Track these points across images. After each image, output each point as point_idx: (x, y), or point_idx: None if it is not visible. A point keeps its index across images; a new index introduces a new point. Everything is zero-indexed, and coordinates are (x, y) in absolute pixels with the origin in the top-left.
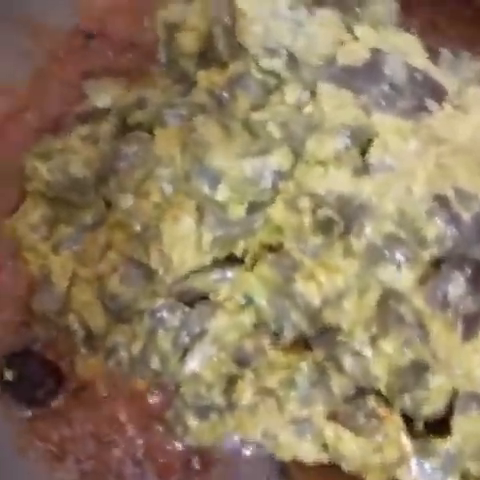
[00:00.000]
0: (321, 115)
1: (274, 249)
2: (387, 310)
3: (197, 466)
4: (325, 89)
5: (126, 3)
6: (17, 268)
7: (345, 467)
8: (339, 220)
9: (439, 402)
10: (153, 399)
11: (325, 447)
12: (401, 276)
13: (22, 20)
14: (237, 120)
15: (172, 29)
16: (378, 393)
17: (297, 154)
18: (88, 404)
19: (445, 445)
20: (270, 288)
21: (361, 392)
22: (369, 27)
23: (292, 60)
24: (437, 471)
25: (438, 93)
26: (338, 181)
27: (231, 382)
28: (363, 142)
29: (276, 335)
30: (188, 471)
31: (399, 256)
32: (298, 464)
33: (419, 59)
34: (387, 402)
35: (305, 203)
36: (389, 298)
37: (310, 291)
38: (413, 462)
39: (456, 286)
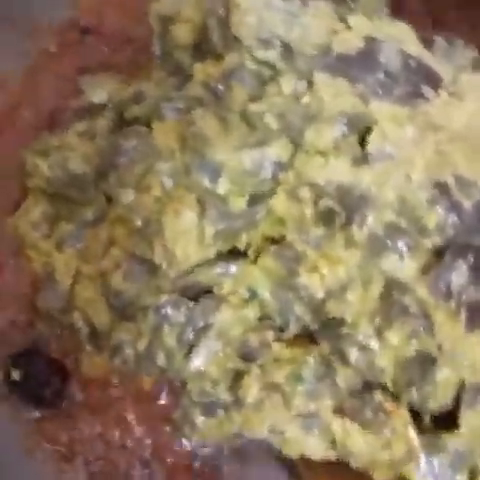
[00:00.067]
0: (319, 104)
1: (277, 241)
2: (391, 301)
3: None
4: (321, 78)
5: None
6: (20, 266)
7: (353, 463)
8: (340, 210)
9: (446, 395)
10: (160, 399)
11: (333, 443)
12: (404, 266)
13: (17, 15)
14: (234, 112)
15: (166, 21)
16: (385, 387)
17: (296, 144)
18: (95, 404)
19: (454, 441)
20: (274, 280)
21: (368, 386)
22: (362, 16)
23: (287, 51)
24: (446, 468)
25: (433, 80)
26: (338, 171)
27: (237, 378)
28: (361, 130)
29: (281, 329)
30: (196, 471)
31: (401, 245)
32: (305, 461)
33: (413, 47)
34: (394, 396)
35: (306, 193)
36: (392, 289)
37: (313, 283)
38: (421, 459)
39: (459, 275)
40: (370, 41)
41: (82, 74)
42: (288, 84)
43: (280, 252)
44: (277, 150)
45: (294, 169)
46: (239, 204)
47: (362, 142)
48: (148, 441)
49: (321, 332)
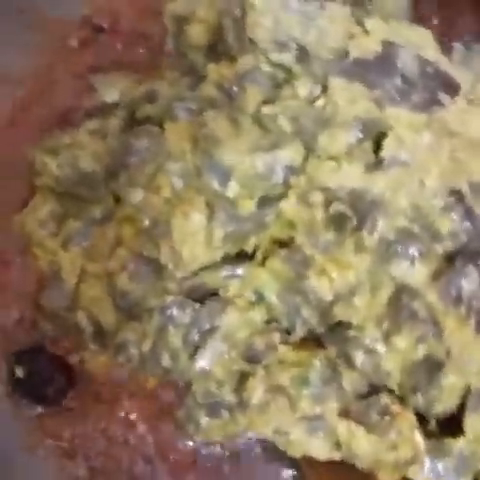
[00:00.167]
0: (333, 109)
1: (285, 244)
2: (400, 306)
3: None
4: (337, 83)
5: None
6: (26, 264)
7: (358, 465)
8: (351, 215)
9: (451, 400)
10: (164, 397)
11: (337, 445)
12: (414, 271)
13: (31, 13)
14: (247, 114)
15: (181, 21)
16: (391, 391)
17: (309, 148)
18: (98, 402)
19: (458, 445)
20: (281, 283)
21: (374, 389)
22: (379, 20)
23: (303, 54)
24: (450, 472)
25: (451, 87)
26: (350, 176)
27: (242, 379)
28: (376, 136)
29: (287, 332)
30: (199, 468)
31: (412, 251)
32: (309, 461)
33: (431, 52)
34: (400, 399)
35: (317, 198)
36: (402, 294)
37: (322, 287)
38: (426, 462)
39: (470, 281)
40: (387, 45)
41: (95, 73)
42: (303, 87)
43: (289, 255)
44: (289, 154)
45: (306, 173)
46: (248, 207)
47: (376, 147)
48: (151, 438)
49: (328, 335)
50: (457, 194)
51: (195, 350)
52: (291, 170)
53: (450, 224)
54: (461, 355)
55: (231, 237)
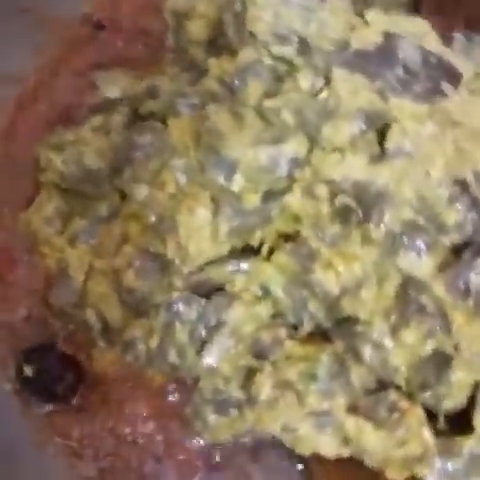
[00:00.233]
0: (336, 100)
1: (291, 238)
2: (407, 299)
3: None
4: (339, 74)
5: None
6: (33, 262)
7: (367, 461)
8: (357, 208)
9: (461, 396)
10: (172, 395)
11: (346, 441)
12: (421, 263)
13: (32, 11)
14: (249, 108)
15: (181, 17)
16: (399, 386)
17: (313, 141)
18: (107, 400)
19: (469, 444)
20: (287, 277)
21: (382, 385)
22: (380, 11)
23: (304, 46)
24: (460, 471)
25: (453, 76)
26: (355, 167)
27: (249, 375)
28: (380, 127)
29: (294, 327)
30: (208, 468)
31: (419, 243)
32: (318, 458)
33: (432, 42)
34: (408, 395)
35: (322, 191)
36: (409, 287)
37: (328, 280)
38: (436, 461)
39: (478, 273)
40: (388, 37)
41: (96, 69)
42: (305, 80)
43: (294, 249)
44: (293, 146)
45: (310, 166)
46: (253, 201)
47: (381, 139)
48: (160, 437)
49: (335, 330)
50: (462, 184)
51: (202, 346)
52: (295, 163)
53: (456, 215)
54: (470, 349)
55: (237, 231)
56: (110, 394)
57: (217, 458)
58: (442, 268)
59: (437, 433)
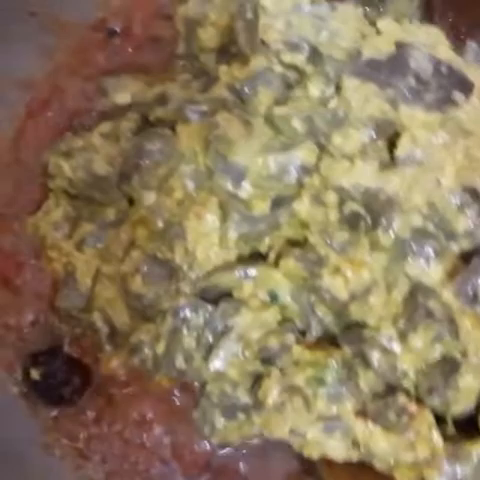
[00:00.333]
0: (347, 109)
1: (299, 244)
2: (416, 305)
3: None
4: (350, 83)
5: None
6: (41, 266)
7: (376, 465)
8: (366, 215)
9: (469, 401)
10: (180, 398)
11: (354, 445)
12: (430, 270)
13: (44, 16)
14: (259, 115)
15: (192, 24)
16: (407, 392)
17: (322, 148)
18: (114, 403)
19: (477, 449)
20: (295, 283)
21: (391, 390)
22: (392, 20)
23: (315, 54)
24: (468, 476)
25: (465, 85)
26: (364, 175)
27: (257, 380)
28: (390, 135)
29: (302, 333)
30: (215, 470)
31: (428, 250)
32: (326, 462)
33: (444, 51)
34: (417, 400)
35: (331, 197)
36: (418, 293)
37: (336, 286)
38: (444, 466)
39: None
40: (400, 46)
41: (106, 75)
42: (315, 88)
43: (302, 255)
44: (303, 154)
45: (319, 173)
46: (262, 207)
47: (391, 147)
48: (167, 440)
49: (343, 335)
50: (472, 192)
51: (209, 351)
52: (304, 170)
53: (465, 222)
54: (478, 355)
55: (245, 238)
56: (117, 397)
57: (224, 461)
58: (450, 274)
59: (446, 438)
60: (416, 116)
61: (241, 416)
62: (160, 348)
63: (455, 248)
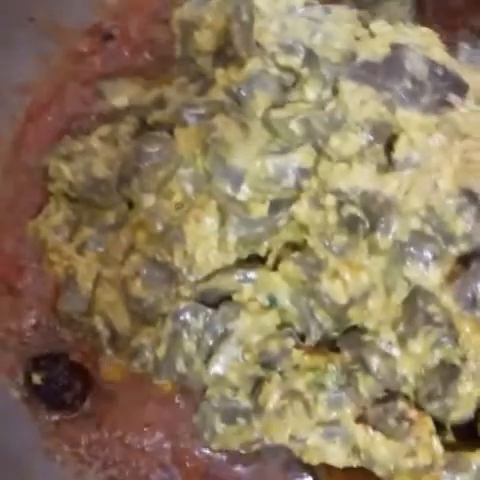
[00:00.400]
0: (344, 111)
1: (298, 248)
2: (415, 309)
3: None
4: (346, 85)
5: (143, 2)
6: (42, 270)
7: (376, 471)
8: (364, 218)
9: (468, 408)
10: (180, 403)
11: (355, 450)
12: (429, 273)
13: (41, 21)
14: (256, 118)
15: (188, 27)
16: (407, 397)
17: (320, 151)
18: (115, 408)
19: (476, 458)
20: (294, 287)
21: (391, 395)
22: (386, 22)
23: (310, 57)
24: None
25: (460, 87)
26: (362, 178)
27: (257, 385)
28: (387, 138)
29: (301, 337)
30: (215, 476)
31: (426, 253)
32: (327, 468)
33: (438, 53)
34: (417, 405)
35: (329, 200)
36: (417, 297)
37: (335, 290)
38: (444, 474)
39: None
40: (395, 48)
41: (103, 79)
42: (312, 91)
43: (301, 258)
44: (301, 157)
45: (317, 176)
46: (260, 211)
47: (388, 149)
48: (167, 445)
49: (342, 339)
50: (470, 194)
51: (209, 355)
52: (302, 173)
53: (464, 225)
54: (477, 360)
55: (244, 241)
56: (118, 402)
57: (224, 466)
58: (449, 278)
59: (445, 446)
60: (413, 118)
61: (241, 421)
62: (161, 352)
63: (454, 251)
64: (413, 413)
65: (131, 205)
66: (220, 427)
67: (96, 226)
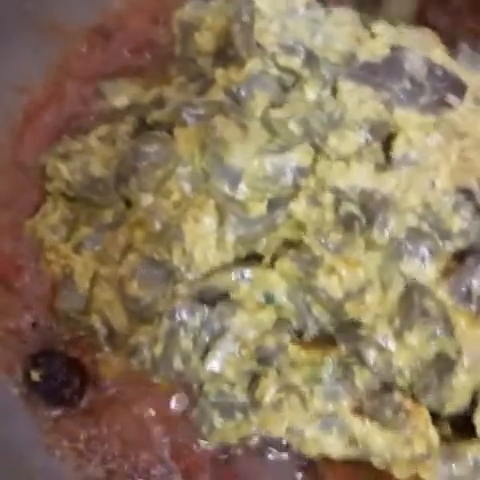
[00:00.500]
0: (342, 111)
1: (294, 245)
2: (411, 303)
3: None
4: (345, 85)
5: (143, 3)
6: (39, 269)
7: (374, 462)
8: (361, 215)
9: (463, 400)
10: (178, 398)
11: (352, 442)
12: (425, 269)
13: (41, 19)
14: (255, 118)
15: (189, 28)
16: (403, 390)
17: (318, 149)
18: (114, 403)
19: (473, 449)
20: (291, 283)
21: (387, 387)
22: (386, 23)
23: (310, 57)
24: (464, 477)
25: (459, 88)
26: (360, 176)
27: (254, 380)
28: (385, 137)
29: (298, 332)
30: (214, 470)
31: (423, 249)
32: (325, 460)
33: (438, 54)
34: (412, 397)
35: (327, 199)
36: (413, 291)
37: (331, 285)
38: (440, 466)
39: None
40: (395, 49)
41: (103, 78)
42: (311, 91)
43: (297, 255)
44: (299, 155)
45: (315, 174)
46: (258, 209)
47: (386, 148)
48: (166, 440)
49: (339, 334)
50: (467, 193)
51: (206, 352)
52: (300, 172)
53: (460, 222)
54: (472, 353)
55: (242, 240)
56: (116, 398)
57: (223, 461)
58: (445, 273)
59: (441, 438)
60: (411, 118)
61: (239, 415)
62: (158, 350)
63: (450, 248)
64: (409, 404)
65: (129, 204)
66: (218, 422)
67: (93, 225)
